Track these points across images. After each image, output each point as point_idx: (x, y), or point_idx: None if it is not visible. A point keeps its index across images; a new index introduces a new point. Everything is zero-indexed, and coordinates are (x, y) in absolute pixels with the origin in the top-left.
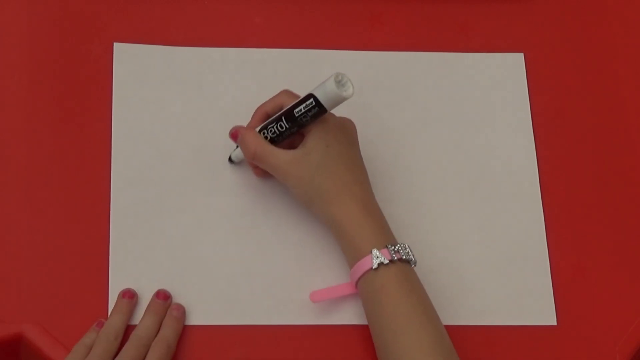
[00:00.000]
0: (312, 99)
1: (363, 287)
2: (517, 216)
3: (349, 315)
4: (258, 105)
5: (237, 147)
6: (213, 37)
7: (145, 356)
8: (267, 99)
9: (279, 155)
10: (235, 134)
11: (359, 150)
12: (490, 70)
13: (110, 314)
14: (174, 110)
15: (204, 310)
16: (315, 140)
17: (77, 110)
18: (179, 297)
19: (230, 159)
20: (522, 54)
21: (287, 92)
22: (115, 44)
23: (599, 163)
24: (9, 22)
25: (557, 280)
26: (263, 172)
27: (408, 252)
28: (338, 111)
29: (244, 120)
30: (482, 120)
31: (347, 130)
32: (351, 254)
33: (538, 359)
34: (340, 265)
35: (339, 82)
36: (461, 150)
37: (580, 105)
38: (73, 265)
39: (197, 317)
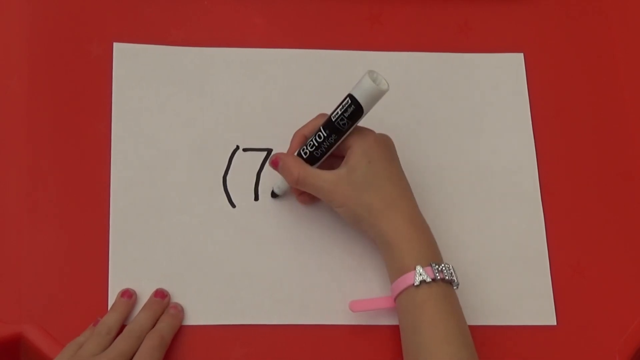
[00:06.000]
0: (347, 98)
1: (403, 302)
2: (517, 216)
3: (348, 315)
4: (257, 104)
5: (276, 183)
6: (213, 37)
7: (137, 350)
8: (267, 98)
9: (322, 176)
10: (275, 161)
11: (400, 165)
12: (490, 70)
13: (107, 312)
14: (174, 110)
15: (204, 310)
16: (357, 157)
17: (77, 110)
18: (178, 297)
19: (273, 194)
20: (522, 54)
21: (323, 114)
22: (115, 44)
23: (599, 163)
24: (9, 22)
25: (557, 280)
26: (309, 199)
27: (452, 273)
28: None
29: (243, 119)
30: (482, 121)
31: (387, 145)
32: (395, 268)
33: (538, 359)
34: (340, 264)
35: (374, 79)
36: (461, 150)
37: (580, 105)
38: (73, 265)
39: (197, 317)
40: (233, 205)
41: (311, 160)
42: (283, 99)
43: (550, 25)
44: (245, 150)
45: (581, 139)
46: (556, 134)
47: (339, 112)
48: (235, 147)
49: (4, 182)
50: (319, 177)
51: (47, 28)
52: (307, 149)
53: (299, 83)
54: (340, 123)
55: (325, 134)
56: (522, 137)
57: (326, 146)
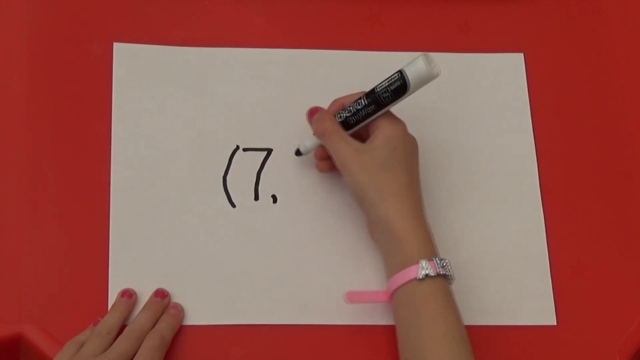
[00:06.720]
0: (397, 73)
1: (402, 296)
2: (517, 216)
3: (348, 315)
4: (257, 104)
5: (302, 147)
6: (213, 37)
7: (137, 350)
8: (267, 98)
9: (348, 140)
10: (314, 110)
11: (418, 165)
12: (490, 70)
13: (108, 312)
14: (174, 110)
15: (204, 310)
16: (383, 140)
17: (77, 110)
18: (178, 297)
19: (297, 152)
20: (522, 54)
21: (364, 92)
22: (115, 44)
23: (599, 163)
24: (9, 22)
25: (557, 280)
26: (327, 167)
27: (449, 269)
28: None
29: (243, 119)
30: (482, 121)
31: (413, 143)
32: (397, 259)
33: (538, 359)
34: (339, 264)
35: (428, 62)
36: (461, 150)
37: (580, 105)
38: (73, 265)
39: (197, 317)
40: (233, 205)
41: (344, 126)
42: (283, 99)
43: (550, 25)
44: (245, 150)
45: (581, 139)
46: (556, 134)
47: (385, 85)
48: (235, 147)
49: (4, 182)
50: (345, 139)
51: (47, 28)
52: (343, 113)
53: (299, 83)
54: (383, 95)
55: (365, 102)
56: (522, 137)
57: (362, 115)
